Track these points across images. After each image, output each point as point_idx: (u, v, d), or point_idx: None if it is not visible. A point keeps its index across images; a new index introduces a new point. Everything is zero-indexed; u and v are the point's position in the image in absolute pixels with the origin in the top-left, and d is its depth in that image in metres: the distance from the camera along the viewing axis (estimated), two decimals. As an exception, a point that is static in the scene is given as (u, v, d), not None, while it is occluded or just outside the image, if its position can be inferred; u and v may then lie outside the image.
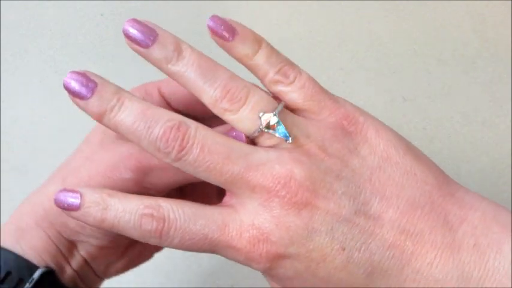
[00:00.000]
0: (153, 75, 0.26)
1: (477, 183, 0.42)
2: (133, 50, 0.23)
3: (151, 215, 0.21)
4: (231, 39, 0.23)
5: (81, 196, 0.22)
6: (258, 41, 0.24)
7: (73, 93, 0.22)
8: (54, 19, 0.54)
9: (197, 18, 0.52)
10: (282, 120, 0.22)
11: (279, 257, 0.21)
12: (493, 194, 0.42)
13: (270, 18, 0.51)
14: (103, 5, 0.55)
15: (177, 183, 0.25)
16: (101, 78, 0.23)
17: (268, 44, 0.24)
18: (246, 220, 0.22)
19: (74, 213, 0.22)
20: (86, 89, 0.22)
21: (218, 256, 0.22)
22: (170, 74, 0.23)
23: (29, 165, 0.45)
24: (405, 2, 0.50)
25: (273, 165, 0.21)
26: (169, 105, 0.28)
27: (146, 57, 0.23)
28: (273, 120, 0.22)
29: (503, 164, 0.43)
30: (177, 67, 0.23)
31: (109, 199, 0.22)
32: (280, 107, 0.22)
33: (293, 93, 0.23)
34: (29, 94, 0.48)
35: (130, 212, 0.22)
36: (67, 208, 0.22)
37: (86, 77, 0.22)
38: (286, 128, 0.22)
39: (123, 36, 0.23)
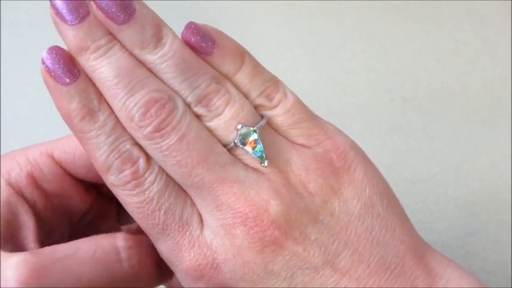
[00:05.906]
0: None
1: (477, 183, 0.42)
2: (103, 20, 0.18)
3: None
4: (209, 52, 0.20)
5: None
6: (241, 55, 0.21)
7: (56, 11, 0.18)
8: (54, 19, 0.54)
9: (196, 18, 0.52)
10: (260, 138, 0.19)
11: None
12: (493, 194, 0.42)
13: (270, 18, 0.51)
14: (103, 5, 0.55)
15: None
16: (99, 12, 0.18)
17: (251, 59, 0.21)
18: (207, 235, 0.19)
19: None
20: (74, 12, 0.18)
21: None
22: (142, 61, 0.19)
23: (29, 165, 0.45)
24: (405, 2, 0.50)
25: (249, 189, 0.19)
26: (68, 175, 0.23)
27: (117, 35, 0.19)
28: (252, 136, 0.19)
29: (503, 164, 0.43)
30: (153, 56, 0.19)
31: None
32: (262, 122, 0.20)
33: (277, 118, 0.20)
34: (29, 94, 0.48)
35: None
36: None
37: (80, 1, 0.18)
38: (264, 148, 0.19)
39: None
